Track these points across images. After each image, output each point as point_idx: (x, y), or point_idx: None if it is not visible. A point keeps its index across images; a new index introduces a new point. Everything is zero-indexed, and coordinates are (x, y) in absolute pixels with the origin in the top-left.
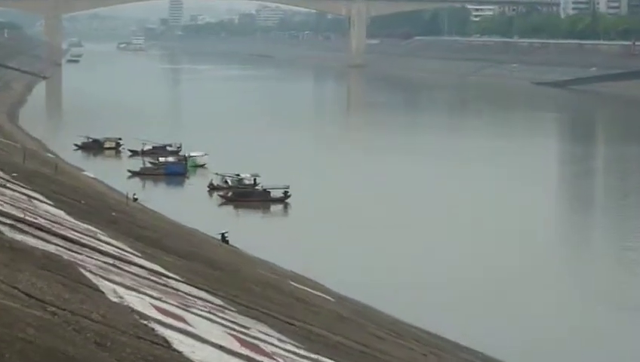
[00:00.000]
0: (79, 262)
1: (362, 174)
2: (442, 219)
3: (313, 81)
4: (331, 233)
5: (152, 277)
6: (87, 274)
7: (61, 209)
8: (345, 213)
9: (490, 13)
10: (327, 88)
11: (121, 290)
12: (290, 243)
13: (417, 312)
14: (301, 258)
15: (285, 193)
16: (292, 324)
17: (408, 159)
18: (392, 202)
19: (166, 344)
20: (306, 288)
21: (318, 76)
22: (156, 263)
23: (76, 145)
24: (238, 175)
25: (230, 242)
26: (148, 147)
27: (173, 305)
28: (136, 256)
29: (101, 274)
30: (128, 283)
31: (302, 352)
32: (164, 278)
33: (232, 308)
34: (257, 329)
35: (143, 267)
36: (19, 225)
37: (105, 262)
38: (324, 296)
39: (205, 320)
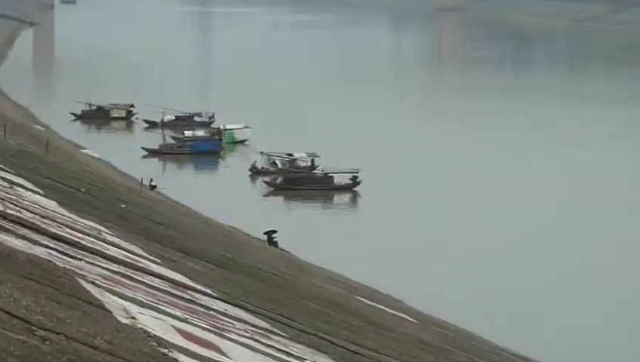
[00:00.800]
0: (77, 271)
1: (454, 154)
2: (555, 218)
3: (391, 28)
4: (413, 232)
5: (175, 291)
6: (89, 286)
7: (53, 199)
8: (431, 205)
9: None
10: (410, 38)
11: (133, 308)
12: (359, 247)
13: (529, 338)
14: (373, 266)
15: (354, 179)
16: (360, 354)
17: (513, 135)
18: (491, 192)
19: None
20: (379, 306)
21: (398, 22)
22: (180, 272)
23: (74, 114)
24: (290, 155)
25: (279, 244)
26: (169, 117)
27: (202, 328)
28: (154, 262)
29: (107, 286)
30: (143, 298)
31: None
32: (191, 292)
33: (282, 333)
34: (314, 361)
35: (162, 277)
36: None
37: (112, 271)
38: (403, 316)
39: (246, 349)
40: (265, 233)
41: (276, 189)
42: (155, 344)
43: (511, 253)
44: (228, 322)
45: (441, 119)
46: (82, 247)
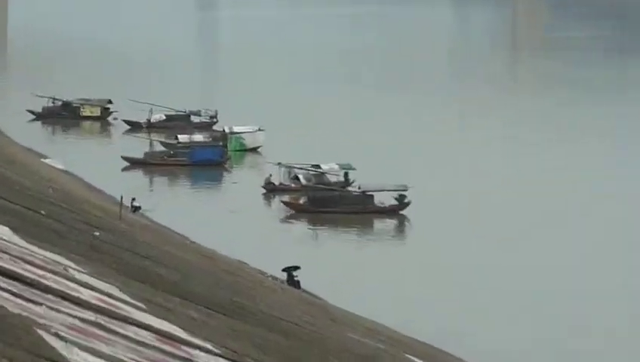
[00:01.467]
0: (37, 319)
1: (531, 170)
2: None
3: (450, 5)
4: (477, 270)
5: (165, 347)
6: (52, 339)
7: (5, 225)
8: (502, 235)
9: None
10: (478, 15)
11: None
12: (408, 289)
13: None
14: (425, 314)
15: (400, 199)
16: None
17: (612, 152)
18: (581, 219)
19: None
20: None
21: None
22: (172, 321)
23: (32, 112)
24: (317, 166)
25: (302, 285)
26: (158, 116)
27: None
28: (138, 308)
29: (75, 339)
30: (123, 356)
31: None
32: (187, 348)
33: None
34: None
35: (148, 328)
36: None
37: (82, 319)
38: None
39: None
40: (284, 270)
41: (299, 212)
42: None
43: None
44: None
45: (513, 124)
46: (43, 288)
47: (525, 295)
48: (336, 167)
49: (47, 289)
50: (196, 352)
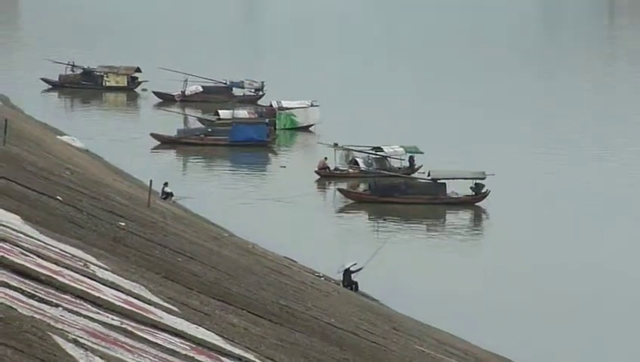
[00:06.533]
0: (52, 323)
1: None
2: None
3: None
4: (569, 276)
5: (200, 357)
6: (69, 346)
7: (15, 212)
8: (599, 235)
9: None
10: None
11: None
12: (485, 296)
13: None
14: (506, 325)
15: (477, 188)
16: None
17: None
18: None
19: None
20: None
21: None
22: (208, 328)
23: (47, 81)
24: (378, 149)
25: (361, 287)
26: (194, 88)
27: None
28: (169, 311)
29: (96, 347)
30: None
31: None
32: (226, 359)
33: None
34: None
35: (182, 335)
36: None
37: (104, 324)
38: None
39: None
40: (340, 271)
41: (358, 201)
42: None
43: None
44: None
45: (613, 102)
46: (59, 287)
47: (626, 305)
48: (401, 150)
49: (63, 289)
50: None
